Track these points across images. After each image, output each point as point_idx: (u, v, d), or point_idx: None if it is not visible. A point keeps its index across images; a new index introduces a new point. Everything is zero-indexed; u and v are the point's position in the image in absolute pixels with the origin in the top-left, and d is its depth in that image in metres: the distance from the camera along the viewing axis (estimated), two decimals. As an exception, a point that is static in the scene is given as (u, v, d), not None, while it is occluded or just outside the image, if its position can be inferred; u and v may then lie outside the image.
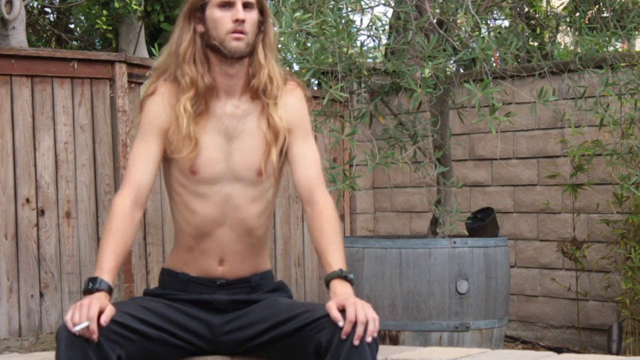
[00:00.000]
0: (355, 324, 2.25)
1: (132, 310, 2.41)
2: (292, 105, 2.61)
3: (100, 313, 2.28)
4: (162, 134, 2.55)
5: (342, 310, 2.28)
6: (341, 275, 2.40)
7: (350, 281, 2.41)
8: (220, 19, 2.52)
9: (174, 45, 2.58)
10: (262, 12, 2.59)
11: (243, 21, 2.51)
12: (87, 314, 2.25)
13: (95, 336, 2.25)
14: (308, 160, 2.59)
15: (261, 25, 2.58)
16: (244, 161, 2.54)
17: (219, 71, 2.56)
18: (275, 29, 2.67)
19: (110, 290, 2.37)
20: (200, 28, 2.56)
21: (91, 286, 2.35)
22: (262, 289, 2.61)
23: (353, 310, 2.26)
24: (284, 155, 2.61)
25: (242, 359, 2.54)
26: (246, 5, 2.54)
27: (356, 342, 2.24)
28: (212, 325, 2.53)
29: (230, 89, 2.57)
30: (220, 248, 2.56)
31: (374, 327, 2.26)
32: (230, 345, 2.53)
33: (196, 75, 2.53)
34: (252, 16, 2.54)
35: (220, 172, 2.54)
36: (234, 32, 2.51)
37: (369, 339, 2.25)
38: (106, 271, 2.39)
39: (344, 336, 2.24)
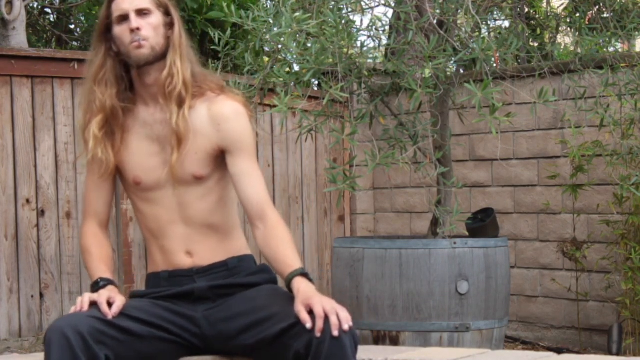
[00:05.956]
0: (326, 318, 2.25)
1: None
2: (229, 124, 2.56)
3: (110, 304, 2.38)
4: None
5: (310, 312, 2.28)
6: (303, 273, 2.42)
7: (311, 280, 2.42)
8: (121, 34, 2.54)
9: (87, 68, 2.62)
10: (167, 13, 2.58)
11: (138, 29, 2.51)
12: (93, 299, 2.38)
13: (108, 315, 2.35)
14: (254, 178, 2.56)
15: (170, 26, 2.57)
16: (180, 166, 2.54)
17: (140, 82, 2.58)
18: (179, 29, 2.58)
19: (116, 285, 2.44)
20: (115, 47, 2.58)
21: (96, 287, 2.45)
22: (242, 272, 2.62)
23: (320, 306, 2.27)
24: (219, 150, 2.58)
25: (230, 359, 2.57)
26: (142, 12, 2.54)
27: (335, 333, 2.23)
28: (196, 320, 2.55)
29: (154, 97, 2.58)
30: (182, 243, 2.61)
31: (346, 315, 2.26)
32: (219, 341, 2.54)
33: (104, 98, 2.56)
34: (150, 21, 2.54)
35: (161, 178, 2.57)
36: (132, 42, 2.52)
37: (345, 327, 2.25)
38: (102, 272, 2.50)
39: (318, 334, 2.24)
